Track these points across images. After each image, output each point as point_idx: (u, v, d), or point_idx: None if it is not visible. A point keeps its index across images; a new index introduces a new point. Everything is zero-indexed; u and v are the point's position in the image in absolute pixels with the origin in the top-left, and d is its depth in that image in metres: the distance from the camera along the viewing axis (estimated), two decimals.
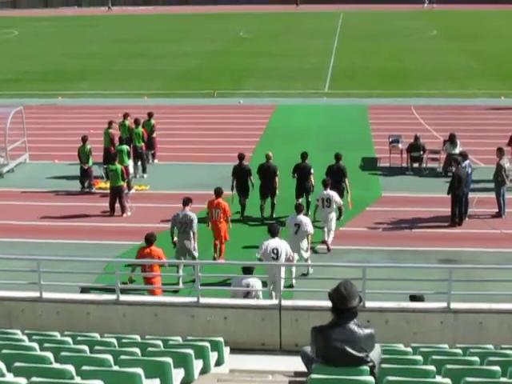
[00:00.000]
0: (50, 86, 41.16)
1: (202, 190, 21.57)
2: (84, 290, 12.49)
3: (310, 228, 15.75)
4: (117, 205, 20.30)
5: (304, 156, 19.86)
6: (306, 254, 15.75)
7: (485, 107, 33.25)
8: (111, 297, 11.76)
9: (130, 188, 21.80)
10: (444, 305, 11.04)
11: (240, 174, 19.71)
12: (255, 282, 12.82)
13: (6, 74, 45.99)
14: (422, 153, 23.64)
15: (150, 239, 14.33)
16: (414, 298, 11.53)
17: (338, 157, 19.80)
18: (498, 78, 40.89)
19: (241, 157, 19.96)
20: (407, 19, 77.36)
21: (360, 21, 77.46)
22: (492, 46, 54.18)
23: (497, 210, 19.67)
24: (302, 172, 19.67)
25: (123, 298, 11.69)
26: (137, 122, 24.01)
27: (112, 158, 20.96)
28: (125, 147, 22.26)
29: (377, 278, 12.79)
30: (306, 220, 15.87)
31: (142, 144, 23.79)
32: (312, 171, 19.58)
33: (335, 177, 18.91)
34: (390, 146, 24.42)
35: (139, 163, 23.86)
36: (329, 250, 17.45)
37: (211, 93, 37.62)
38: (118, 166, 20.23)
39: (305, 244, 15.74)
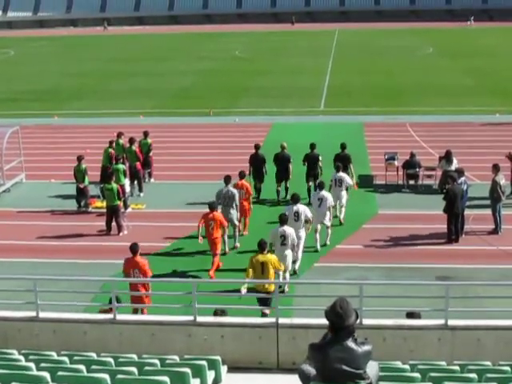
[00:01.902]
0: (46, 106, 41.27)
1: (199, 209, 21.60)
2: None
3: (330, 201, 18.76)
4: (113, 224, 20.31)
5: (313, 146, 22.72)
6: (328, 223, 18.82)
7: (480, 124, 33.40)
8: (108, 316, 11.75)
9: (126, 207, 21.82)
10: (441, 322, 11.04)
11: (256, 162, 22.43)
12: (290, 230, 16.01)
13: (2, 94, 46.13)
14: (417, 170, 23.70)
15: (212, 206, 17.38)
16: (410, 316, 11.52)
17: (343, 146, 22.70)
18: (493, 95, 41.11)
19: (257, 146, 22.91)
20: (404, 37, 77.83)
21: (355, 39, 77.95)
22: (487, 63, 54.51)
23: (493, 227, 19.69)
24: (311, 160, 22.41)
25: (120, 317, 11.69)
26: (131, 140, 24.08)
27: (108, 177, 20.99)
28: (121, 166, 22.28)
29: (374, 295, 12.81)
30: (327, 195, 18.83)
31: (137, 163, 23.83)
32: (320, 158, 22.42)
33: (342, 163, 21.30)
34: (385, 163, 24.49)
35: (136, 182, 23.89)
36: (341, 223, 20.43)
37: (207, 111, 37.75)
38: (114, 185, 20.25)
39: (327, 214, 18.66)
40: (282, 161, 22.50)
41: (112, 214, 20.26)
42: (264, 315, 13.16)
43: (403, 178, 23.96)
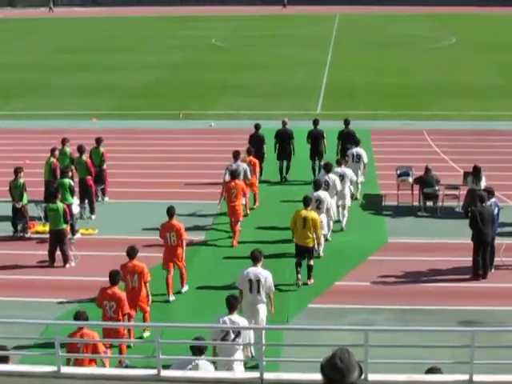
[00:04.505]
0: None
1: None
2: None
3: (352, 176, 22.52)
4: (58, 253, 20.22)
5: (316, 122, 26.93)
6: (348, 202, 22.35)
7: None
8: (50, 368, 11.65)
9: (74, 232, 21.76)
10: (465, 377, 11.06)
11: (256, 142, 25.89)
12: (324, 194, 19.82)
13: None
14: (437, 188, 23.78)
15: (234, 174, 21.13)
16: (431, 371, 11.50)
17: (347, 122, 26.82)
18: None
19: (257, 126, 26.84)
20: (420, 24, 78.39)
21: (360, 26, 78.44)
22: None
23: None
24: (314, 137, 26.47)
25: (65, 369, 11.59)
26: (80, 149, 24.04)
27: (52, 194, 20.90)
28: (67, 181, 22.21)
29: (382, 344, 12.82)
30: (347, 170, 22.46)
31: (88, 177, 23.77)
32: (325, 135, 26.47)
33: (347, 140, 25.40)
34: (397, 180, 24.56)
35: (86, 201, 23.82)
36: (357, 198, 24.34)
37: (176, 114, 37.79)
38: (60, 205, 20.19)
39: (348, 192, 22.17)
40: (283, 137, 26.57)
41: (57, 240, 20.18)
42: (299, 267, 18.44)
43: (419, 199, 24.05)
